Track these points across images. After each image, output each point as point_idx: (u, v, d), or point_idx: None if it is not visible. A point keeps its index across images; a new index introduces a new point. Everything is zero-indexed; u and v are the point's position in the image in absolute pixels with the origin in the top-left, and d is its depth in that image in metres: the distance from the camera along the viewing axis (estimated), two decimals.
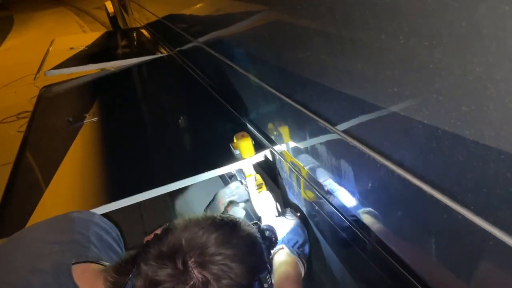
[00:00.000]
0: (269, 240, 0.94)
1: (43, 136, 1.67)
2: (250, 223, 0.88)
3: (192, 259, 0.63)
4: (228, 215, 0.78)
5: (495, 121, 0.42)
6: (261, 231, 0.91)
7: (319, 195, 0.96)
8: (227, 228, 0.71)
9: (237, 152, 1.21)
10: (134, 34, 3.51)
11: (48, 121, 1.82)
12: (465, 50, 0.43)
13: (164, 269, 0.63)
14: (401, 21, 0.50)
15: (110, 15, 6.08)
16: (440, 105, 0.48)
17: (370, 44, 0.59)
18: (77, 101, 2.06)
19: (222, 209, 1.19)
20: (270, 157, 1.21)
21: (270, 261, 0.78)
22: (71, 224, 0.85)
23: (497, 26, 0.39)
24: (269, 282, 0.72)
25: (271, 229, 0.97)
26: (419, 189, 0.56)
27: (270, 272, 0.75)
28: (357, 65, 0.64)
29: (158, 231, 0.73)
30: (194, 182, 1.16)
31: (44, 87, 2.23)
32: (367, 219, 0.78)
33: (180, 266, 0.63)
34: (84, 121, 1.66)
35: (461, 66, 0.44)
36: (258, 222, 0.96)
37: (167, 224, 0.74)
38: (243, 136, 1.17)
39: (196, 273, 0.63)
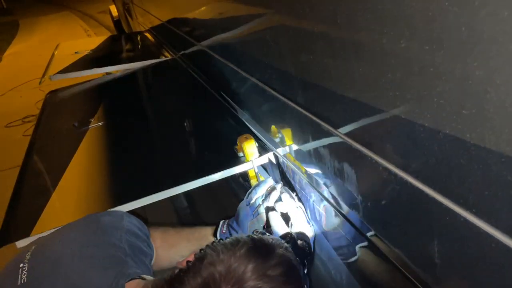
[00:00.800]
0: (303, 251, 0.90)
1: (49, 141, 1.68)
2: (281, 238, 0.85)
3: None
4: (260, 236, 0.75)
5: (495, 124, 0.43)
6: (294, 241, 0.88)
7: (321, 197, 0.96)
8: (262, 256, 0.67)
9: (241, 155, 1.22)
10: (138, 38, 3.53)
11: (54, 126, 1.84)
12: (465, 54, 0.43)
13: None
14: (402, 25, 0.51)
15: (115, 19, 6.12)
16: (441, 109, 0.49)
17: (371, 48, 0.59)
18: (82, 106, 2.08)
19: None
20: (273, 160, 1.21)
21: (306, 280, 0.75)
22: (104, 234, 0.83)
23: (496, 31, 0.39)
24: None
25: (303, 238, 0.92)
26: (421, 191, 0.57)
27: None
28: (358, 69, 0.64)
29: (191, 258, 0.71)
30: (198, 186, 1.17)
31: (50, 92, 2.25)
32: (369, 221, 0.79)
33: None
34: (90, 126, 1.67)
35: (461, 70, 0.44)
36: (290, 232, 0.92)
37: (200, 251, 0.71)
38: (246, 139, 1.17)
39: None
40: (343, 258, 0.97)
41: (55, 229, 0.89)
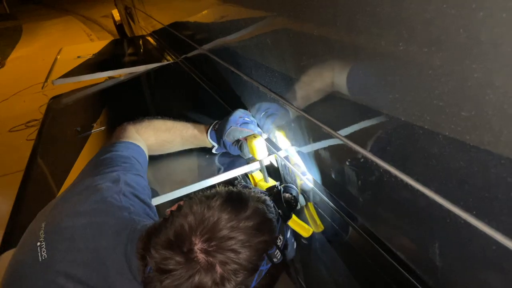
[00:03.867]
0: (288, 203, 0.92)
1: (52, 146, 1.69)
2: (268, 190, 0.88)
3: (199, 245, 0.64)
4: (238, 190, 0.78)
5: (494, 126, 0.43)
6: (279, 194, 0.91)
7: (322, 199, 0.97)
8: (235, 208, 0.70)
9: (247, 156, 1.21)
10: (140, 42, 3.54)
11: (57, 131, 1.85)
12: (463, 56, 0.43)
13: (172, 257, 0.64)
14: (400, 28, 0.51)
15: (117, 23, 6.14)
16: (440, 111, 0.49)
17: (370, 51, 0.59)
18: (85, 111, 2.09)
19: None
20: (275, 163, 1.21)
21: (283, 231, 0.77)
22: (106, 201, 0.85)
23: (495, 32, 0.39)
24: (278, 256, 0.72)
25: (290, 191, 0.95)
26: (422, 194, 0.57)
27: (280, 245, 0.74)
28: (358, 72, 0.64)
29: (174, 208, 0.74)
30: (203, 187, 1.17)
31: (53, 97, 2.26)
32: (369, 222, 0.79)
33: (187, 253, 0.64)
34: (92, 131, 1.68)
35: (460, 72, 0.45)
36: (278, 185, 0.95)
37: (183, 201, 0.75)
38: (254, 137, 1.14)
39: (202, 259, 0.64)
40: (343, 258, 0.97)
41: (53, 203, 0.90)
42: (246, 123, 1.21)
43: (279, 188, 0.94)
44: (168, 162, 1.29)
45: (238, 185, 0.83)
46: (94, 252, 0.76)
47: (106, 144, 1.08)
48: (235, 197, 0.74)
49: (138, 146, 1.10)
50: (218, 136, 1.22)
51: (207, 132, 1.25)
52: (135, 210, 0.86)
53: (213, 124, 1.26)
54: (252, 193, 0.78)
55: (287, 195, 0.95)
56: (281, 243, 0.74)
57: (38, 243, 0.77)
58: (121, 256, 0.76)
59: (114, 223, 0.81)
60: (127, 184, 0.91)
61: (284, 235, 0.77)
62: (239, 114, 1.23)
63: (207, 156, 1.29)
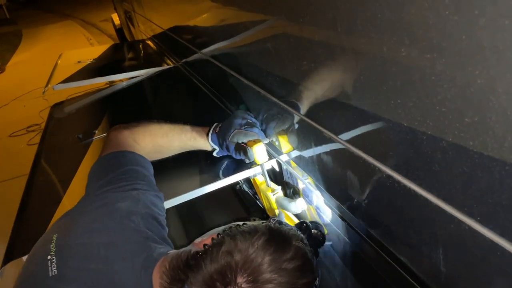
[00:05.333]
0: (317, 240, 0.93)
1: (54, 154, 1.69)
2: (297, 227, 0.88)
3: (244, 285, 0.64)
4: (277, 227, 0.77)
5: (498, 132, 0.43)
6: (309, 230, 0.91)
7: (325, 203, 0.96)
8: (279, 248, 0.69)
9: (248, 161, 1.21)
10: (140, 46, 3.54)
11: (59, 138, 1.85)
12: (466, 62, 0.43)
13: None
14: (402, 34, 0.51)
15: (117, 28, 6.14)
16: (443, 117, 0.49)
17: (373, 56, 0.60)
18: (87, 118, 2.09)
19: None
20: (276, 167, 1.21)
21: (318, 270, 0.76)
22: (124, 222, 0.83)
23: (497, 39, 0.39)
24: None
25: (318, 227, 0.96)
26: (425, 199, 0.57)
27: (318, 283, 0.73)
28: (361, 77, 0.64)
29: (208, 241, 0.73)
30: (205, 193, 1.17)
31: (55, 104, 2.26)
32: (373, 228, 0.79)
33: None
34: (94, 138, 1.68)
35: (462, 78, 0.45)
36: (306, 222, 0.96)
37: (218, 235, 0.74)
38: (255, 142, 1.14)
39: None
40: (347, 263, 0.96)
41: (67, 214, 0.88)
42: (250, 125, 1.19)
43: (308, 224, 0.94)
44: (168, 168, 1.28)
45: (272, 220, 0.83)
46: (105, 275, 0.75)
47: (109, 151, 1.04)
48: (276, 235, 0.73)
49: (144, 158, 1.07)
50: (221, 139, 1.20)
51: (207, 135, 1.23)
52: (151, 236, 0.85)
53: (214, 126, 1.23)
54: (291, 231, 0.77)
55: (314, 231, 0.95)
56: (318, 282, 0.74)
57: (49, 257, 0.75)
58: (132, 282, 0.76)
59: (130, 248, 0.80)
60: (146, 206, 0.90)
61: (319, 276, 0.76)
62: (241, 115, 1.21)
63: (208, 161, 1.29)
